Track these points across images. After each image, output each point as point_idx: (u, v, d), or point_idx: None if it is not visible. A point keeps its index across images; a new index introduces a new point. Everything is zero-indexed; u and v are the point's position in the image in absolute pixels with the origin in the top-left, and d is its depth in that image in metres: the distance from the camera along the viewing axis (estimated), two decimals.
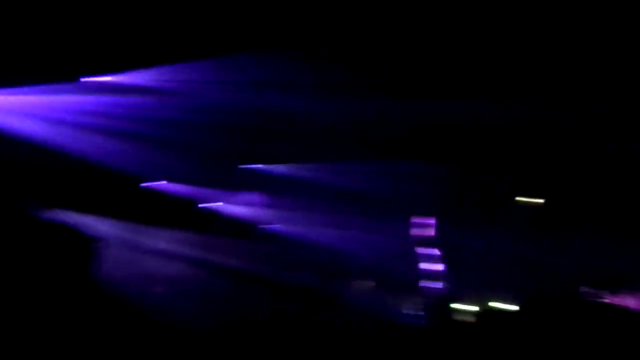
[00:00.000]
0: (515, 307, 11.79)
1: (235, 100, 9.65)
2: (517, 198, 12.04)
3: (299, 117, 9.93)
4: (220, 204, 12.65)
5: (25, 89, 8.31)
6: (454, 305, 9.67)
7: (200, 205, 12.36)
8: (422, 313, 8.97)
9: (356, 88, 9.19)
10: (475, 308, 11.67)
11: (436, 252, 7.80)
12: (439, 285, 7.79)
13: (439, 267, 7.86)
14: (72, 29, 8.06)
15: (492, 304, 12.01)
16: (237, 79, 9.26)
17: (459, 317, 10.48)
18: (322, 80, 9.05)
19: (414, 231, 9.94)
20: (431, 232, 8.11)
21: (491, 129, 9.75)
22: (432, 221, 9.71)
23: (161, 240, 11.03)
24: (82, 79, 9.06)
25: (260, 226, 12.98)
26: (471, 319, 11.22)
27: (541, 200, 11.93)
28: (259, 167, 12.12)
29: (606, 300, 7.02)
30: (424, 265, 8.03)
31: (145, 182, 11.23)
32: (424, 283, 7.80)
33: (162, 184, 11.55)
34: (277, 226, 13.05)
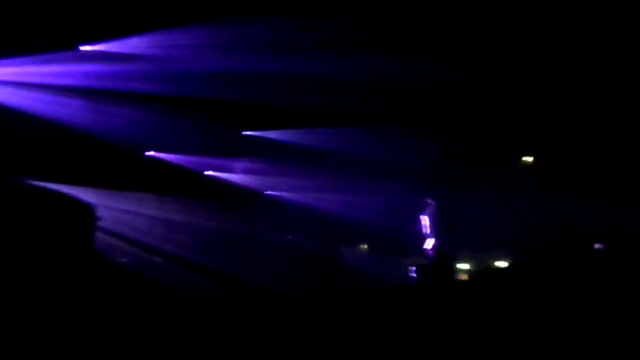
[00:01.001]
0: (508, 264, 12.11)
1: (233, 65, 9.66)
2: (515, 157, 12.18)
3: (299, 81, 9.96)
4: (223, 172, 12.73)
5: (26, 58, 8.31)
6: (453, 264, 9.86)
7: (204, 173, 12.46)
8: (423, 273, 9.21)
9: (355, 50, 9.20)
10: (472, 266, 11.97)
11: (435, 213, 7.92)
12: (438, 245, 7.92)
13: (438, 227, 7.98)
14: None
15: (490, 262, 12.30)
16: (233, 42, 9.25)
17: (458, 276, 10.75)
18: (320, 42, 9.05)
19: (414, 194, 10.09)
20: (430, 194, 8.23)
21: (484, 89, 9.80)
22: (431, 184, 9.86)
23: (164, 209, 11.11)
24: (81, 47, 9.07)
25: (262, 192, 13.12)
26: (468, 276, 11.53)
27: (531, 158, 12.06)
28: (260, 134, 12.17)
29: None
30: (423, 227, 8.16)
31: (149, 151, 11.30)
32: (424, 244, 7.95)
33: (166, 153, 11.60)
34: (278, 192, 13.18)
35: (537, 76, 9.42)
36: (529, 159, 12.56)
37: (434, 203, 7.90)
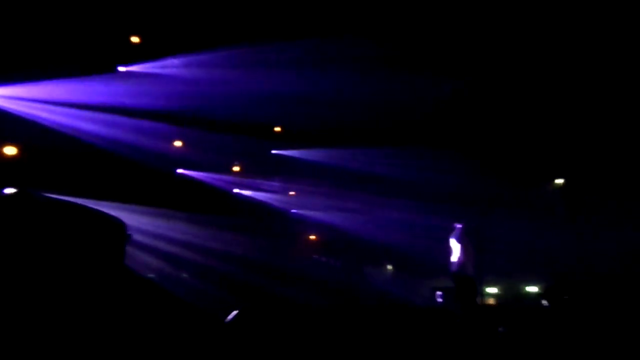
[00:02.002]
0: (538, 289, 11.82)
1: (264, 84, 9.83)
2: (546, 180, 11.96)
3: (328, 100, 10.04)
4: (252, 190, 12.89)
5: (65, 80, 8.65)
6: (480, 288, 9.70)
7: (233, 191, 12.64)
8: (448, 296, 9.06)
9: (385, 69, 9.24)
10: (500, 290, 11.74)
11: (463, 235, 7.74)
12: (465, 268, 7.74)
13: (465, 250, 7.80)
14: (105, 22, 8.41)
15: (519, 287, 12.04)
16: (266, 61, 9.42)
17: (485, 300, 10.54)
18: (349, 61, 9.12)
19: (441, 216, 9.99)
20: (458, 217, 8.10)
21: (516, 110, 9.70)
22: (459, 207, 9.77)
23: (192, 225, 11.21)
24: (120, 68, 9.40)
25: (289, 211, 13.21)
26: (496, 301, 11.31)
27: (562, 181, 11.81)
28: (289, 153, 12.28)
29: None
30: (450, 250, 8.01)
31: (180, 169, 11.54)
32: (451, 266, 7.77)
33: (197, 172, 11.80)
34: (305, 211, 13.24)
35: (571, 98, 9.29)
36: (560, 181, 12.34)
37: (461, 225, 7.74)
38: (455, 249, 7.62)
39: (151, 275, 9.91)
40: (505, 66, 8.86)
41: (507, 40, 8.56)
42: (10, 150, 8.45)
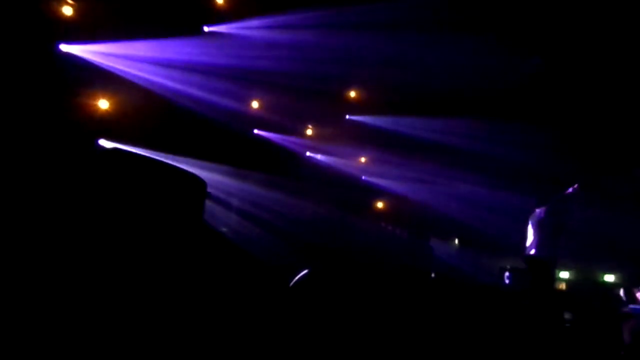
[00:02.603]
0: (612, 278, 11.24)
1: (344, 45, 9.73)
2: (634, 167, 11.15)
3: (408, 65, 9.81)
4: (323, 155, 13.01)
5: (153, 41, 9.04)
6: (554, 272, 9.36)
7: (306, 155, 12.84)
8: (518, 277, 8.85)
9: (472, 36, 8.88)
10: (572, 276, 11.27)
11: (543, 217, 7.40)
12: (541, 250, 7.45)
13: (544, 232, 7.47)
14: None
15: (594, 274, 11.49)
16: (348, 23, 9.32)
17: (557, 284, 10.18)
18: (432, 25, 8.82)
19: (518, 195, 9.66)
20: (539, 196, 7.73)
21: (612, 89, 9.04)
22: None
23: (266, 185, 11.48)
24: (206, 28, 9.68)
25: (360, 178, 13.26)
26: (567, 286, 10.89)
27: None
28: (363, 119, 12.23)
29: None
30: (527, 231, 7.71)
31: (256, 129, 11.83)
32: (525, 248, 7.51)
33: (271, 133, 12.05)
34: (375, 179, 13.24)
35: None
36: None
37: (543, 206, 7.39)
38: (533, 231, 7.33)
39: (224, 229, 10.37)
40: (603, 42, 8.23)
41: (609, 13, 7.93)
42: (101, 104, 8.97)
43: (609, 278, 11.47)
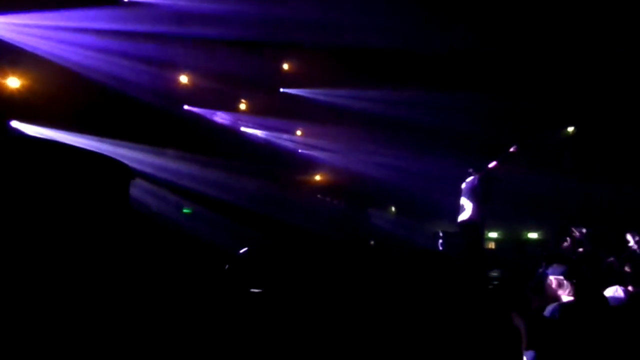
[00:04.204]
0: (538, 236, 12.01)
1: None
2: (556, 128, 11.81)
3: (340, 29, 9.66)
4: (259, 129, 12.79)
5: (66, 12, 8.37)
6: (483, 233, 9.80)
7: (240, 129, 12.56)
8: (450, 240, 9.22)
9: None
10: (500, 235, 11.94)
11: (476, 184, 7.66)
12: (474, 215, 7.73)
13: (476, 198, 7.75)
14: None
15: (520, 233, 12.21)
16: None
17: (486, 244, 10.73)
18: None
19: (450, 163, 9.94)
20: (472, 164, 7.98)
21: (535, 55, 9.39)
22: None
23: (196, 164, 11.08)
24: None
25: (297, 151, 13.20)
26: (495, 245, 11.53)
27: (572, 129, 11.65)
28: (298, 92, 12.08)
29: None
30: (460, 198, 7.97)
31: (185, 106, 11.39)
32: (460, 214, 7.77)
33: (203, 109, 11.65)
34: (312, 152, 13.23)
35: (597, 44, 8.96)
36: (571, 129, 12.16)
37: (476, 174, 7.66)
38: (467, 198, 7.60)
39: (155, 211, 9.97)
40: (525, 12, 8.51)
41: None
42: (10, 82, 8.26)
43: (532, 235, 12.23)
